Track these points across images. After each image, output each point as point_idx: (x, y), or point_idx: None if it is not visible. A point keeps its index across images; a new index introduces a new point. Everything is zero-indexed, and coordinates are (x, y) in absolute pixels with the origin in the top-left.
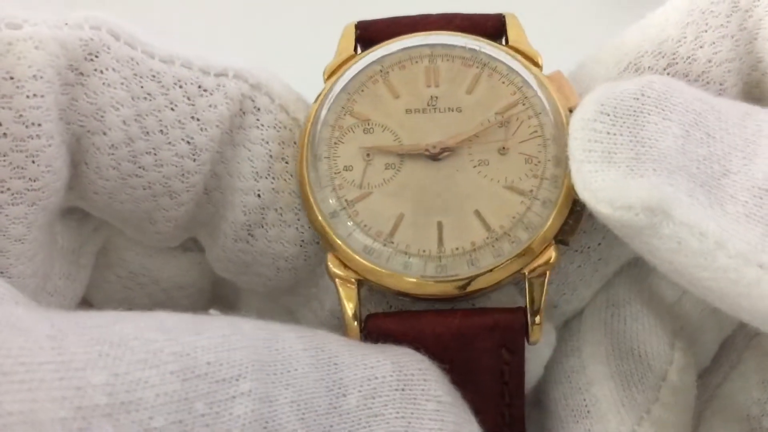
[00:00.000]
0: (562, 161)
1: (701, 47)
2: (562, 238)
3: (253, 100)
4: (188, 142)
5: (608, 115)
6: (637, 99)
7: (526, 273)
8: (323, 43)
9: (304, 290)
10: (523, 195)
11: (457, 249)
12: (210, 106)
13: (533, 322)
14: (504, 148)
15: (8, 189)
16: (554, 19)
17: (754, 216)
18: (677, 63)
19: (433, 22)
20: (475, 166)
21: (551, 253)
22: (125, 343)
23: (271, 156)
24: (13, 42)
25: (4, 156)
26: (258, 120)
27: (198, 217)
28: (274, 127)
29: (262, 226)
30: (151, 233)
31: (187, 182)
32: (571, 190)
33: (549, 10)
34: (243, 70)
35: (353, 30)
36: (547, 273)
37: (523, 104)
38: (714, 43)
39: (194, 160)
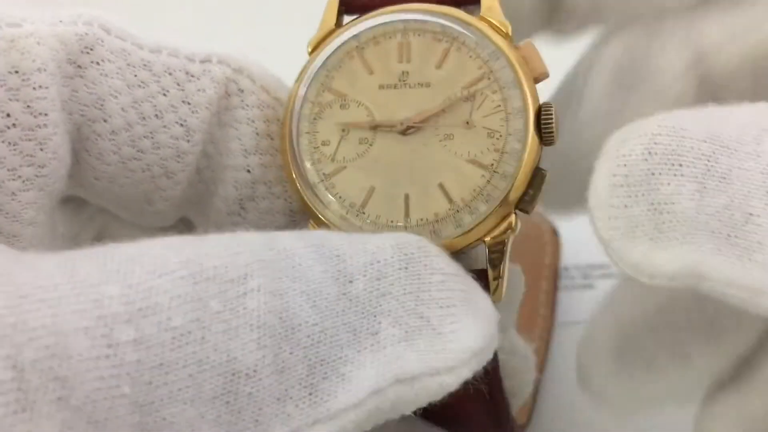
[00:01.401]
0: (522, 135)
1: None
2: (522, 207)
3: (236, 83)
4: (182, 125)
5: (621, 186)
6: (646, 160)
7: (487, 240)
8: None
9: None
10: (484, 168)
11: (421, 220)
12: (198, 90)
13: (495, 285)
14: (468, 122)
15: (19, 176)
16: None
17: None
18: None
19: None
20: (440, 141)
21: (511, 222)
22: (133, 259)
23: (257, 133)
24: (16, 39)
25: (15, 145)
26: (243, 101)
27: (191, 197)
28: (258, 107)
29: (253, 199)
30: (149, 213)
31: (183, 162)
32: (529, 163)
33: None
34: (225, 56)
35: None
36: (507, 240)
37: (488, 78)
38: None
39: (188, 141)
